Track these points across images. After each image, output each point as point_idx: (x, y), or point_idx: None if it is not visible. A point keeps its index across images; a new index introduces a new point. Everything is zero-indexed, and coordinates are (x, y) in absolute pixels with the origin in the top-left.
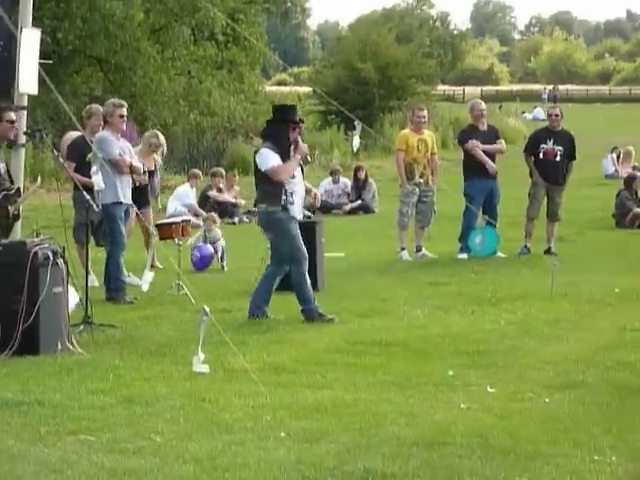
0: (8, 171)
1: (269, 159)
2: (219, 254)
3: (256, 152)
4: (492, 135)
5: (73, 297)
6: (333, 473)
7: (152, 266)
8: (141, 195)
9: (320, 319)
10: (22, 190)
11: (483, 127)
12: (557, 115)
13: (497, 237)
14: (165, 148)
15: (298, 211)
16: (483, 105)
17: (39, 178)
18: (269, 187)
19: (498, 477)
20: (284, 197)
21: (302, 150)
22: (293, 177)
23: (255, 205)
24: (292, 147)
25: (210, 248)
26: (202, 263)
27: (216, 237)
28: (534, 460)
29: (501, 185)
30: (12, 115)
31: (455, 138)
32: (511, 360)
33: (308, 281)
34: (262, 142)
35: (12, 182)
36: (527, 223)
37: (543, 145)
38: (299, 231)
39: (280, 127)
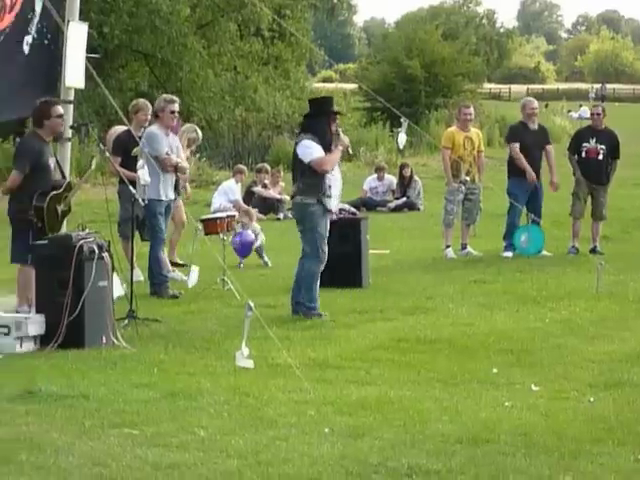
0: (59, 165)
1: (313, 150)
2: (259, 247)
3: (296, 144)
4: (542, 136)
5: (118, 289)
6: (377, 469)
7: (176, 264)
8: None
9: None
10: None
11: (533, 126)
12: (599, 114)
13: (542, 236)
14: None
15: (335, 204)
16: (535, 104)
17: (94, 162)
18: (310, 179)
19: (542, 475)
20: (323, 190)
21: (343, 142)
22: (332, 170)
23: (292, 197)
24: (332, 139)
25: (251, 234)
26: (244, 249)
27: (255, 231)
28: (578, 459)
29: (546, 184)
30: (60, 109)
31: (501, 136)
32: (556, 359)
33: (318, 282)
34: (300, 135)
35: (64, 176)
36: (573, 223)
37: (585, 144)
38: (327, 230)
39: (319, 119)
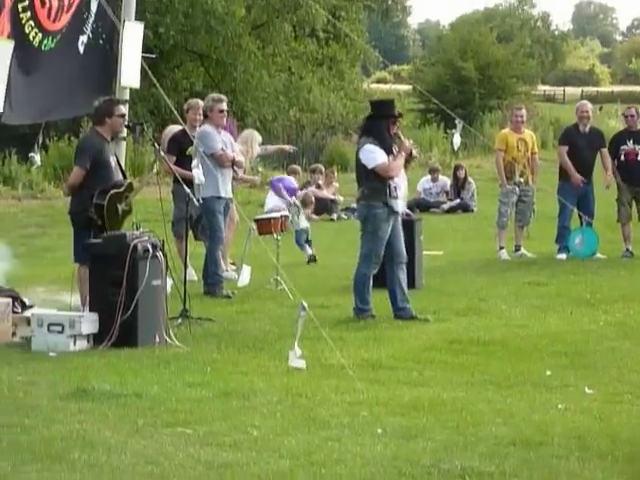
0: (119, 165)
1: (377, 156)
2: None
3: (359, 149)
4: (595, 139)
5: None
6: (430, 471)
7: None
8: None
9: (413, 320)
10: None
11: (585, 129)
12: (633, 115)
13: (596, 238)
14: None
15: (401, 205)
16: (586, 107)
17: (155, 166)
18: (375, 183)
19: (595, 479)
20: (389, 192)
21: (406, 147)
22: (397, 174)
23: (358, 201)
24: (392, 142)
25: (293, 181)
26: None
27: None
28: (632, 463)
29: (599, 187)
30: (122, 109)
31: (555, 138)
32: (609, 361)
33: (370, 285)
34: (361, 138)
35: (125, 176)
36: (622, 227)
37: (623, 146)
38: (388, 235)
39: (380, 122)
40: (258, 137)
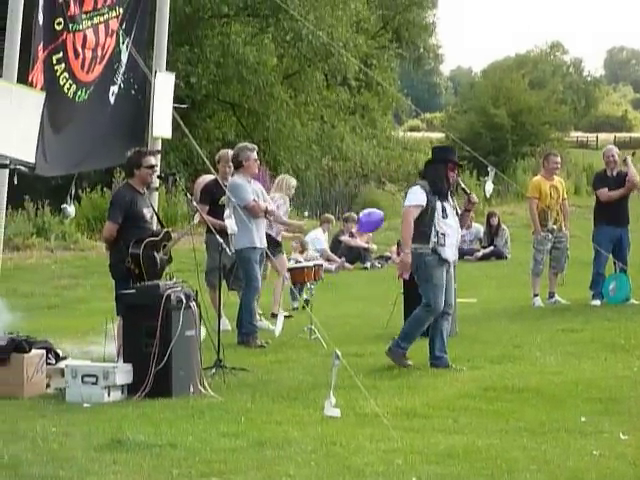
0: (157, 215)
1: (412, 197)
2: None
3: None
4: (621, 180)
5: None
6: None
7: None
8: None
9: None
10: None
11: (612, 173)
12: None
13: (629, 284)
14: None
15: (451, 253)
16: (613, 151)
17: (196, 217)
18: (422, 227)
19: None
20: (434, 238)
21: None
22: (445, 217)
23: None
24: (448, 187)
25: (380, 213)
26: (368, 225)
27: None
28: None
29: (633, 232)
30: (152, 160)
31: (589, 184)
32: None
33: (421, 331)
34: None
35: (162, 225)
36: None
37: None
38: (445, 280)
39: (438, 167)
40: (292, 181)
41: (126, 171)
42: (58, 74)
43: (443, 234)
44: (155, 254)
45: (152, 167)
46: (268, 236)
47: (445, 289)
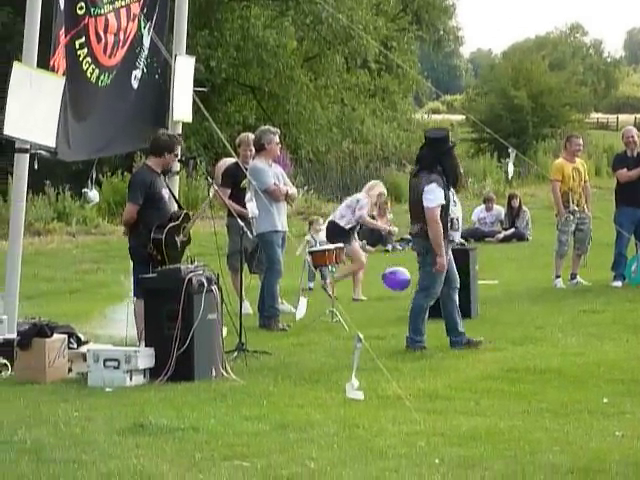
0: (173, 195)
1: (435, 198)
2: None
3: (423, 184)
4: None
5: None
6: None
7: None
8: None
9: (469, 345)
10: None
11: (632, 153)
12: None
13: None
14: None
15: (458, 235)
16: (632, 132)
17: (211, 191)
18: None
19: None
20: (450, 225)
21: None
22: (454, 203)
23: (415, 235)
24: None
25: (407, 274)
26: (392, 282)
27: (323, 240)
28: None
29: None
30: (179, 149)
31: (609, 165)
32: None
33: (426, 317)
34: (421, 172)
35: (180, 207)
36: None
37: None
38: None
39: (453, 154)
40: (381, 190)
41: (153, 151)
42: (81, 59)
43: (456, 219)
44: (176, 238)
45: (177, 156)
46: (337, 226)
47: (449, 265)
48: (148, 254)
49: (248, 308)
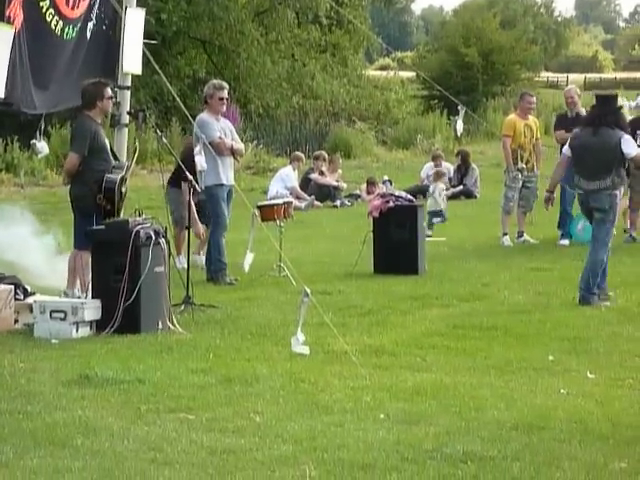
0: (110, 147)
1: (634, 144)
2: None
3: (619, 138)
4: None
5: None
6: (432, 455)
7: None
8: None
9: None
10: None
11: (571, 114)
12: None
13: None
14: None
15: None
16: (572, 92)
17: (137, 144)
18: (622, 172)
19: (597, 462)
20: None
21: None
22: None
23: (603, 190)
24: None
25: None
26: None
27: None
28: (634, 446)
29: None
30: (110, 91)
31: None
32: (611, 346)
33: (607, 271)
34: (603, 127)
35: (116, 158)
36: (630, 213)
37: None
38: None
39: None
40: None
41: (85, 103)
42: (44, 10)
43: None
44: (122, 189)
45: (111, 98)
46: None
47: None
48: (96, 204)
49: (183, 262)
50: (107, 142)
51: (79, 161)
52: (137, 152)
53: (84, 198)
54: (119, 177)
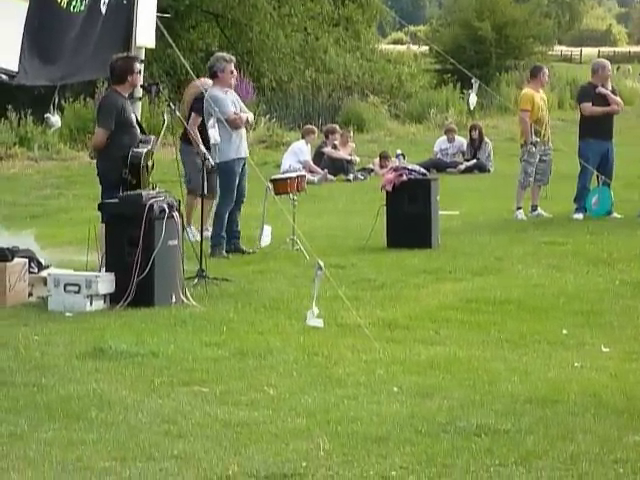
0: (137, 121)
1: None
2: None
3: None
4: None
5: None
6: (445, 428)
7: None
8: None
9: None
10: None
11: (605, 88)
12: None
13: (610, 197)
14: None
15: None
16: (610, 67)
17: (167, 119)
18: None
19: (611, 436)
20: None
21: None
22: None
23: None
24: None
25: None
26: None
27: None
28: None
29: (617, 146)
30: (139, 65)
31: (572, 98)
32: (625, 320)
33: None
34: None
35: (143, 131)
36: None
37: None
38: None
39: None
40: None
41: (115, 78)
42: None
43: None
44: (148, 163)
45: (140, 72)
46: None
47: None
48: (122, 178)
49: (196, 235)
50: (134, 116)
51: (106, 136)
52: (165, 124)
53: (110, 172)
54: (144, 151)
